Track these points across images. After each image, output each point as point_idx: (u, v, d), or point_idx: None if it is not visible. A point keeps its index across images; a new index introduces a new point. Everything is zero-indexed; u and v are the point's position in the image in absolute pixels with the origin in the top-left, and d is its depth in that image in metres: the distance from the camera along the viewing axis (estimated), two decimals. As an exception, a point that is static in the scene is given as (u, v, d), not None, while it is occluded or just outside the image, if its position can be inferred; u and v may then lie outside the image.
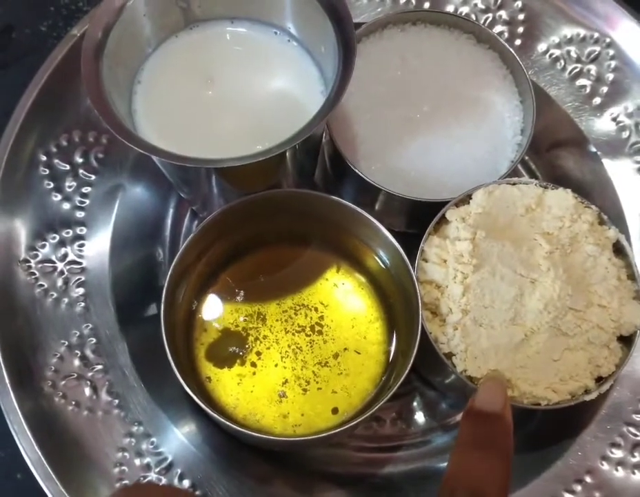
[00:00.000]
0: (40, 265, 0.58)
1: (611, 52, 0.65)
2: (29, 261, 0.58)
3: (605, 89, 0.65)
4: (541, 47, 0.67)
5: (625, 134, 0.64)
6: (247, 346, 0.54)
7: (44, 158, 0.61)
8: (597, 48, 0.66)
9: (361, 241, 0.56)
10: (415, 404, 0.60)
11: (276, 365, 0.53)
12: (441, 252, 0.52)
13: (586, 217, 0.53)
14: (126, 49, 0.50)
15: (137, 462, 0.53)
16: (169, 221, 0.65)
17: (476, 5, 0.67)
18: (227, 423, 0.47)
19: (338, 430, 0.47)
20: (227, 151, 0.45)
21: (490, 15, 0.67)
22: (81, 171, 0.61)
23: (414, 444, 0.59)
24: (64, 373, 0.55)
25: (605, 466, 0.54)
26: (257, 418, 0.52)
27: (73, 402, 0.54)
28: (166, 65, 0.54)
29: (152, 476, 0.53)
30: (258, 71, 0.54)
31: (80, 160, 0.61)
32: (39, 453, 0.51)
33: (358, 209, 0.52)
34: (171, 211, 0.65)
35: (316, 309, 0.55)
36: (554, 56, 0.66)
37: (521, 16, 0.67)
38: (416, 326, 0.49)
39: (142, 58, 0.53)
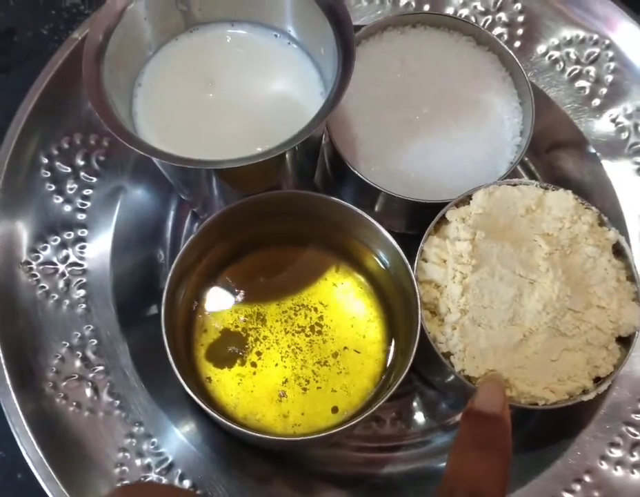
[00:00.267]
0: (41, 267, 0.59)
1: (610, 53, 0.65)
2: (30, 263, 0.58)
3: (604, 90, 0.65)
4: (541, 49, 0.67)
5: (624, 136, 0.64)
6: (247, 346, 0.54)
7: (46, 160, 0.61)
8: (596, 50, 0.66)
9: (360, 242, 0.56)
10: (415, 404, 0.61)
11: (276, 365, 0.54)
12: (441, 252, 0.52)
13: (586, 218, 0.53)
14: (127, 52, 0.51)
15: (138, 462, 0.54)
16: (170, 223, 0.65)
17: (475, 7, 0.68)
18: (228, 423, 0.47)
19: (339, 429, 0.48)
20: (227, 153, 0.46)
21: (490, 17, 0.67)
22: (82, 174, 0.62)
23: (413, 445, 0.59)
24: (65, 374, 0.56)
25: (605, 466, 0.55)
26: (257, 418, 0.52)
27: (74, 403, 0.55)
28: (167, 68, 0.54)
29: (153, 476, 0.53)
30: (258, 73, 0.54)
31: (81, 163, 0.62)
32: (40, 454, 0.52)
33: (358, 210, 0.53)
34: (172, 213, 0.66)
35: (315, 309, 0.55)
36: (553, 57, 0.67)
37: (521, 18, 0.67)
38: (416, 326, 0.49)
39: (143, 61, 0.53)
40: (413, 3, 0.68)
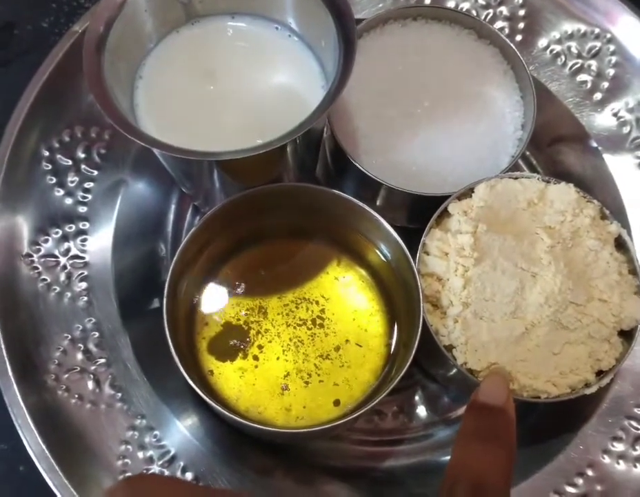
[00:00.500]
0: (43, 259, 0.58)
1: (612, 47, 0.65)
2: (32, 256, 0.58)
3: (605, 84, 0.65)
4: (542, 42, 0.67)
5: (626, 130, 0.64)
6: (248, 339, 0.54)
7: (46, 153, 0.61)
8: (598, 44, 0.66)
9: (362, 235, 0.56)
10: (417, 398, 0.61)
11: (277, 358, 0.54)
12: (443, 245, 0.52)
13: (588, 211, 0.53)
14: (128, 44, 0.51)
15: (140, 454, 0.54)
16: (171, 217, 0.65)
17: (476, 0, 0.68)
18: (230, 415, 0.47)
19: (340, 421, 0.48)
20: (228, 145, 0.46)
21: (491, 11, 0.67)
22: (83, 166, 0.62)
23: (415, 438, 0.59)
24: (67, 366, 0.56)
25: (607, 460, 0.55)
26: (259, 411, 0.52)
27: (76, 396, 0.55)
28: (167, 60, 0.54)
29: (155, 469, 0.53)
30: (259, 66, 0.54)
31: (82, 155, 0.62)
32: (43, 446, 0.52)
33: (360, 203, 0.53)
34: (173, 206, 0.66)
35: (317, 302, 0.55)
36: (554, 51, 0.66)
37: (522, 12, 0.67)
38: (417, 319, 0.49)
39: (143, 53, 0.53)
40: (414, -4, 0.68)
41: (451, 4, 0.68)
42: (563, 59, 0.66)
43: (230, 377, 0.53)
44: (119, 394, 0.55)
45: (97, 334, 0.57)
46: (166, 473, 0.53)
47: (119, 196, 0.62)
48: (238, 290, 0.56)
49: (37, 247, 0.59)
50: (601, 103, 0.65)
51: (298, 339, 0.54)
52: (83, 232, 0.60)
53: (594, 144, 0.65)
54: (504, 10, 0.67)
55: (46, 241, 0.59)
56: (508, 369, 0.50)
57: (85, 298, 0.58)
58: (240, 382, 0.53)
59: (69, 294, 0.58)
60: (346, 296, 0.56)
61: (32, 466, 0.51)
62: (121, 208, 0.62)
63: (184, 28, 0.55)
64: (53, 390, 0.55)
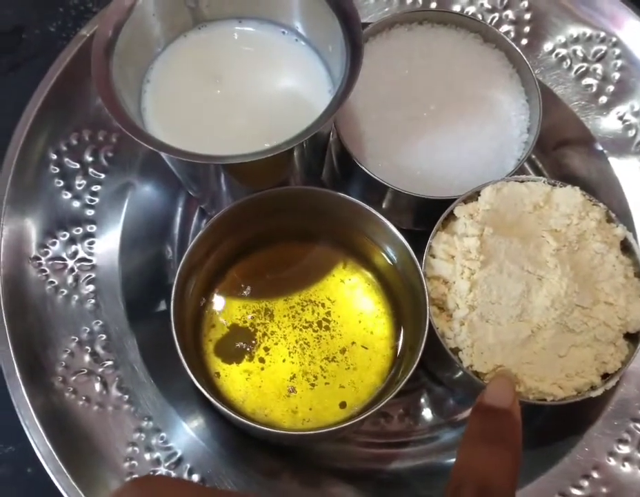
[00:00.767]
0: (50, 262, 0.59)
1: (617, 51, 0.65)
2: (39, 259, 0.59)
3: (611, 88, 0.65)
4: (547, 46, 0.67)
5: (631, 133, 0.64)
6: (255, 341, 0.54)
7: (54, 157, 0.61)
8: (603, 47, 0.66)
9: (368, 237, 0.56)
10: (422, 400, 0.61)
11: (284, 360, 0.54)
12: (449, 248, 0.52)
13: (594, 214, 0.53)
14: (136, 48, 0.51)
15: (147, 456, 0.54)
16: (178, 220, 0.66)
17: (482, 4, 0.68)
18: (236, 417, 0.47)
19: (347, 424, 0.48)
20: (235, 149, 0.46)
21: (497, 15, 0.68)
22: (90, 170, 0.62)
23: (421, 441, 0.59)
24: (74, 368, 0.56)
25: (612, 462, 0.54)
26: (265, 413, 0.52)
27: (83, 398, 0.55)
28: (175, 64, 0.54)
29: (162, 470, 0.53)
30: (266, 70, 0.54)
31: (90, 159, 0.62)
32: (50, 448, 0.52)
33: (366, 206, 0.53)
34: (180, 209, 0.66)
35: (323, 305, 0.55)
36: (560, 55, 0.67)
37: (527, 16, 0.67)
38: (424, 322, 0.49)
39: (151, 57, 0.54)
40: (420, 1, 0.68)
41: (457, 8, 0.68)
42: (569, 62, 0.66)
43: (237, 380, 0.53)
44: (126, 396, 0.56)
45: (104, 336, 0.57)
46: (173, 474, 0.54)
47: (126, 199, 0.62)
48: (245, 292, 0.56)
49: (45, 250, 0.59)
50: (607, 107, 0.65)
51: (304, 342, 0.54)
52: (90, 235, 0.60)
53: (600, 147, 0.65)
54: (510, 13, 0.67)
55: (54, 244, 0.59)
56: (514, 372, 0.50)
57: (93, 301, 0.58)
58: (246, 384, 0.53)
59: (76, 296, 0.58)
60: (352, 299, 0.56)
61: (39, 468, 0.52)
62: (128, 211, 0.62)
63: (191, 32, 0.55)
64: (60, 392, 0.55)
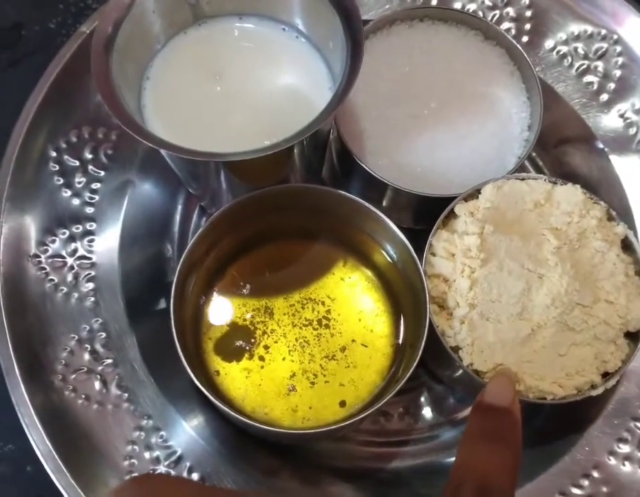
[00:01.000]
0: (50, 260, 0.59)
1: (618, 48, 0.65)
2: (39, 257, 0.59)
3: (612, 85, 0.65)
4: (548, 43, 0.67)
5: (632, 131, 0.64)
6: (255, 340, 0.54)
7: (54, 154, 0.61)
8: (604, 45, 0.66)
9: (368, 235, 0.56)
10: (423, 399, 0.60)
11: (283, 359, 0.54)
12: (449, 246, 0.52)
13: (595, 212, 0.53)
14: (136, 45, 0.51)
15: (147, 455, 0.54)
16: (177, 218, 0.65)
17: (483, 2, 0.68)
18: (236, 415, 0.47)
19: (346, 422, 0.48)
20: (235, 146, 0.46)
21: (498, 12, 0.67)
22: (90, 167, 0.62)
23: (421, 439, 0.59)
24: (74, 367, 0.56)
25: (612, 461, 0.54)
26: (265, 411, 0.52)
27: (83, 396, 0.55)
28: (175, 61, 0.54)
29: (162, 469, 0.54)
30: (266, 67, 0.54)
31: (89, 156, 0.62)
32: (50, 446, 0.52)
33: (366, 203, 0.53)
34: (180, 207, 0.66)
35: (323, 303, 0.55)
36: (561, 52, 0.66)
37: (528, 13, 0.67)
38: (424, 320, 0.49)
39: (151, 54, 0.54)
40: (421, -2, 0.68)
41: (457, 5, 0.68)
42: (570, 60, 0.66)
43: (236, 378, 0.53)
44: (126, 394, 0.56)
45: (104, 334, 0.57)
46: (172, 473, 0.54)
47: (126, 197, 0.62)
48: (245, 290, 0.56)
49: (44, 247, 0.59)
50: (608, 105, 0.65)
51: (304, 340, 0.54)
52: (90, 232, 0.60)
53: (601, 145, 0.65)
54: (511, 11, 0.67)
55: (53, 241, 0.59)
56: (514, 370, 0.50)
57: (92, 299, 0.58)
58: (246, 383, 0.53)
59: (76, 294, 0.58)
60: (352, 297, 0.56)
61: (39, 467, 0.52)
62: (127, 209, 0.62)
63: (191, 29, 0.55)
64: (60, 390, 0.55)
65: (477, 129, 0.59)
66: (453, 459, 0.55)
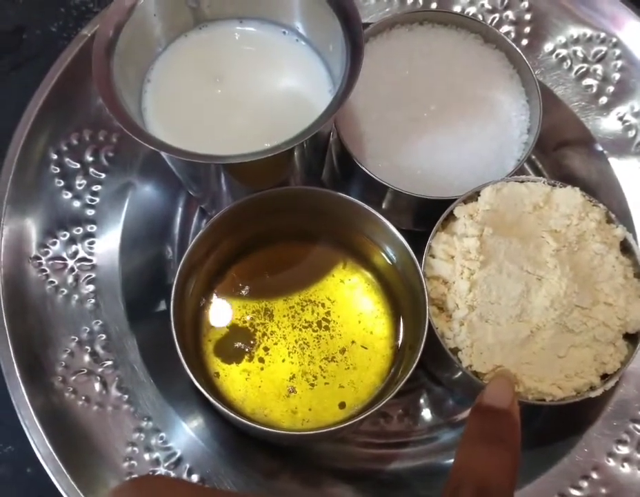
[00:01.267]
0: (51, 262, 0.59)
1: (617, 51, 0.65)
2: (40, 258, 0.59)
3: (611, 88, 0.65)
4: (548, 47, 0.67)
5: (631, 134, 0.64)
6: (254, 341, 0.54)
7: (55, 156, 0.61)
8: (603, 48, 0.66)
9: (367, 237, 0.56)
10: (422, 401, 0.61)
11: (283, 360, 0.54)
12: (449, 248, 0.52)
13: (594, 215, 0.53)
14: (137, 48, 0.51)
15: (146, 456, 0.54)
16: (178, 220, 0.66)
17: (483, 5, 0.68)
18: (236, 417, 0.47)
19: (346, 424, 0.48)
20: (236, 149, 0.46)
21: (497, 15, 0.68)
22: (91, 170, 0.62)
23: (420, 441, 0.59)
24: (74, 368, 0.56)
25: (612, 463, 0.55)
26: (265, 413, 0.52)
27: (83, 397, 0.55)
28: (176, 64, 0.54)
29: (162, 471, 0.54)
30: (266, 70, 0.54)
31: (90, 159, 0.62)
32: (50, 448, 0.52)
33: (365, 206, 0.53)
34: (180, 210, 0.66)
35: (322, 305, 0.55)
36: (560, 56, 0.67)
37: (528, 16, 0.67)
38: (423, 322, 0.49)
39: (152, 57, 0.54)
40: (420, 1, 0.68)
41: (457, 8, 0.68)
42: (569, 63, 0.66)
43: (236, 380, 0.53)
44: (126, 396, 0.56)
45: (104, 336, 0.58)
46: (172, 474, 0.54)
47: (127, 199, 0.62)
48: (245, 292, 0.56)
49: (45, 249, 0.59)
50: (607, 107, 0.65)
51: (304, 342, 0.54)
52: (90, 235, 0.61)
53: (600, 148, 0.65)
54: (510, 14, 0.67)
55: (54, 243, 0.59)
56: (513, 372, 0.50)
57: (93, 300, 0.58)
58: (246, 384, 0.53)
59: (76, 296, 0.58)
60: (352, 299, 0.56)
61: (39, 468, 0.52)
62: (128, 211, 0.62)
63: (192, 33, 0.55)
64: (60, 392, 0.55)
65: (477, 132, 0.59)
66: (452, 460, 0.55)
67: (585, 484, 0.54)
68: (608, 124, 0.65)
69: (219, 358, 0.54)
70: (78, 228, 0.60)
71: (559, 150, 0.67)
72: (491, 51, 0.61)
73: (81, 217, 0.61)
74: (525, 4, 0.67)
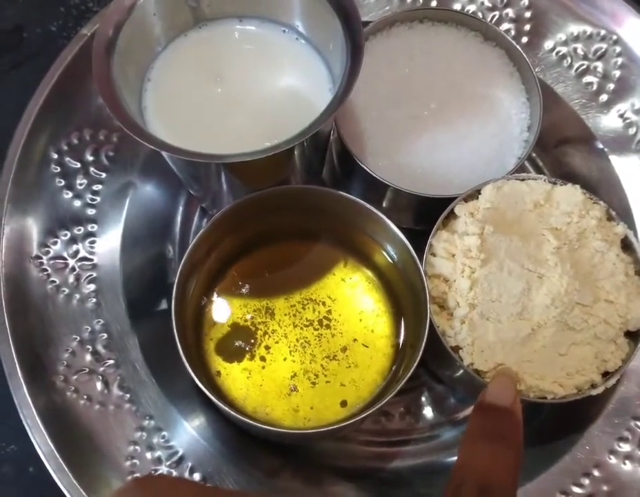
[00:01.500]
0: (52, 261, 0.59)
1: (617, 49, 0.65)
2: (41, 258, 0.59)
3: (611, 86, 0.65)
4: (548, 44, 0.67)
5: (632, 131, 0.64)
6: (256, 340, 0.54)
7: (55, 156, 0.61)
8: (604, 45, 0.66)
9: (368, 236, 0.56)
10: (423, 399, 0.61)
11: (284, 359, 0.54)
12: (450, 246, 0.52)
13: (594, 212, 0.53)
14: (136, 47, 0.51)
15: (148, 455, 0.54)
16: (179, 219, 0.66)
17: (483, 3, 0.68)
18: (237, 416, 0.47)
19: (348, 422, 0.48)
20: (236, 148, 0.46)
21: (497, 13, 0.68)
22: (91, 169, 0.62)
23: (422, 439, 0.59)
24: (76, 367, 0.56)
25: (613, 460, 0.55)
26: (266, 411, 0.52)
27: (85, 397, 0.55)
28: (176, 63, 0.54)
29: (163, 469, 0.54)
30: (266, 69, 0.54)
31: (91, 158, 0.62)
32: (52, 447, 0.52)
33: (366, 204, 0.53)
34: (181, 209, 0.66)
35: (324, 303, 0.56)
36: (560, 53, 0.67)
37: (528, 14, 0.67)
38: (424, 320, 0.49)
39: (152, 56, 0.54)
40: (420, -1, 0.68)
41: (457, 6, 0.68)
42: (569, 60, 0.66)
43: (238, 378, 0.53)
44: (127, 395, 0.56)
45: (106, 335, 0.58)
46: (174, 473, 0.54)
47: (127, 198, 0.62)
48: (246, 291, 0.56)
49: (46, 249, 0.59)
50: (607, 105, 0.65)
51: (305, 340, 0.55)
52: (91, 234, 0.61)
53: (600, 145, 0.65)
54: (510, 12, 0.67)
55: (55, 243, 0.59)
56: (515, 370, 0.50)
57: (94, 300, 0.59)
58: (247, 383, 0.53)
59: (77, 296, 0.58)
60: (353, 297, 0.56)
61: (41, 467, 0.52)
62: (129, 211, 0.62)
63: (192, 32, 0.55)
64: (62, 391, 0.55)
65: (477, 130, 0.59)
66: (454, 459, 0.56)
67: (586, 481, 0.54)
68: (609, 122, 0.65)
69: (220, 357, 0.54)
70: (79, 227, 0.60)
71: (560, 148, 0.67)
72: (491, 49, 0.61)
73: (82, 217, 0.61)
74: (525, 2, 0.67)
